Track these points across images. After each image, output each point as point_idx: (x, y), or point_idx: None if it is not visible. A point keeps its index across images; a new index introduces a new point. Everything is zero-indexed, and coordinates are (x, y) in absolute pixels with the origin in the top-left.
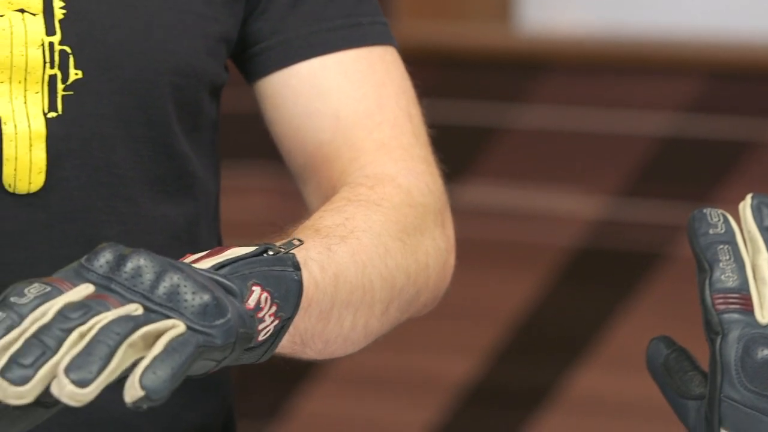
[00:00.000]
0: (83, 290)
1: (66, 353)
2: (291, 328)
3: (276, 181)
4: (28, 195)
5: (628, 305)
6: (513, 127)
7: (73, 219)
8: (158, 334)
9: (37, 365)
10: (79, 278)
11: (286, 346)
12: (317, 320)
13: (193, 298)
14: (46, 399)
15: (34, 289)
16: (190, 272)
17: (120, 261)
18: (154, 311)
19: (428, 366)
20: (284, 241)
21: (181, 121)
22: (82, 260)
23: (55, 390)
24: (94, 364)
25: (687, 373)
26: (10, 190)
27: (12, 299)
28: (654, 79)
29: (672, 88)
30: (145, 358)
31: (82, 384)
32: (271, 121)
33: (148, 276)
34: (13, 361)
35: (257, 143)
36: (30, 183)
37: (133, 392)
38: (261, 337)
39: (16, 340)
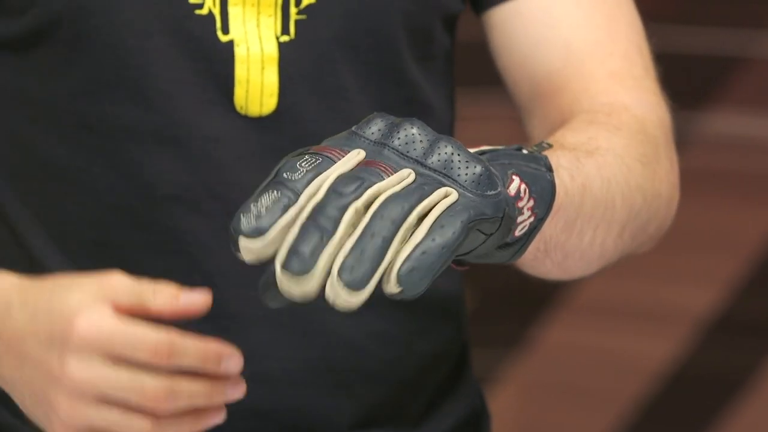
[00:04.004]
0: (354, 156)
1: (344, 236)
2: (537, 234)
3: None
4: (260, 118)
5: None
6: (760, 56)
7: (304, 143)
8: (433, 207)
9: (315, 255)
10: (351, 145)
11: (530, 251)
12: (562, 229)
13: (467, 166)
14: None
15: (305, 162)
16: (461, 144)
17: (392, 128)
18: (427, 176)
19: (670, 297)
20: (536, 143)
21: (412, 48)
22: (353, 128)
23: (330, 295)
24: (367, 263)
25: None
26: (242, 112)
27: (285, 175)
28: None
29: None
30: (406, 245)
31: (355, 287)
32: (498, 51)
33: (421, 144)
34: (293, 252)
35: (494, 70)
36: (262, 106)
37: (389, 287)
38: (518, 232)
39: (293, 220)
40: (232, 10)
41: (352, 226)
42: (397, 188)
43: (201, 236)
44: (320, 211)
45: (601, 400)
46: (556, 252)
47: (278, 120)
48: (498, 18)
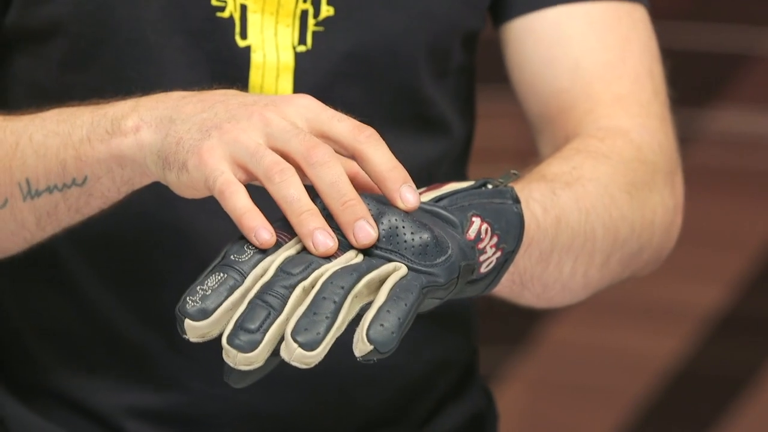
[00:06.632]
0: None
1: (291, 312)
2: (511, 266)
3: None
4: None
5: None
6: (767, 54)
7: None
8: (381, 280)
9: (263, 329)
10: None
11: (505, 285)
12: (537, 261)
13: (413, 238)
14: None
15: (253, 246)
16: (405, 214)
17: None
18: (374, 255)
19: (676, 295)
20: (502, 174)
21: (430, 65)
22: None
23: (284, 355)
24: (321, 323)
25: None
26: None
27: (232, 257)
28: None
29: None
30: (370, 309)
31: (310, 346)
32: (510, 66)
33: None
34: (239, 326)
35: (502, 68)
36: None
37: (361, 347)
38: (483, 269)
39: (240, 301)
40: (251, 17)
41: (299, 305)
42: (344, 265)
43: (209, 236)
44: (268, 289)
45: (607, 398)
46: (534, 284)
47: None
48: (512, 33)
